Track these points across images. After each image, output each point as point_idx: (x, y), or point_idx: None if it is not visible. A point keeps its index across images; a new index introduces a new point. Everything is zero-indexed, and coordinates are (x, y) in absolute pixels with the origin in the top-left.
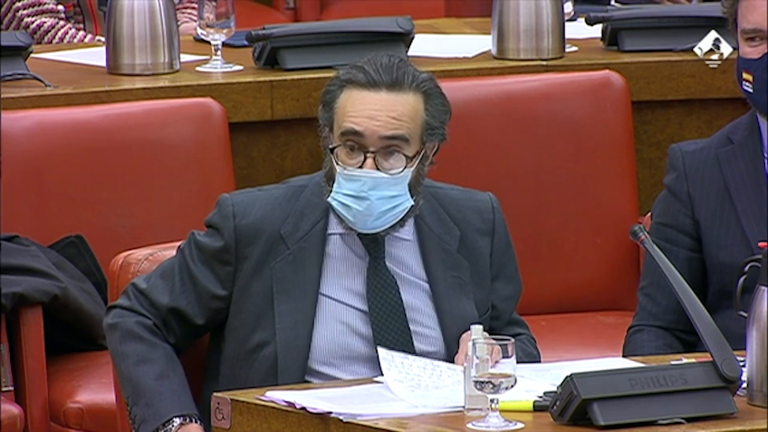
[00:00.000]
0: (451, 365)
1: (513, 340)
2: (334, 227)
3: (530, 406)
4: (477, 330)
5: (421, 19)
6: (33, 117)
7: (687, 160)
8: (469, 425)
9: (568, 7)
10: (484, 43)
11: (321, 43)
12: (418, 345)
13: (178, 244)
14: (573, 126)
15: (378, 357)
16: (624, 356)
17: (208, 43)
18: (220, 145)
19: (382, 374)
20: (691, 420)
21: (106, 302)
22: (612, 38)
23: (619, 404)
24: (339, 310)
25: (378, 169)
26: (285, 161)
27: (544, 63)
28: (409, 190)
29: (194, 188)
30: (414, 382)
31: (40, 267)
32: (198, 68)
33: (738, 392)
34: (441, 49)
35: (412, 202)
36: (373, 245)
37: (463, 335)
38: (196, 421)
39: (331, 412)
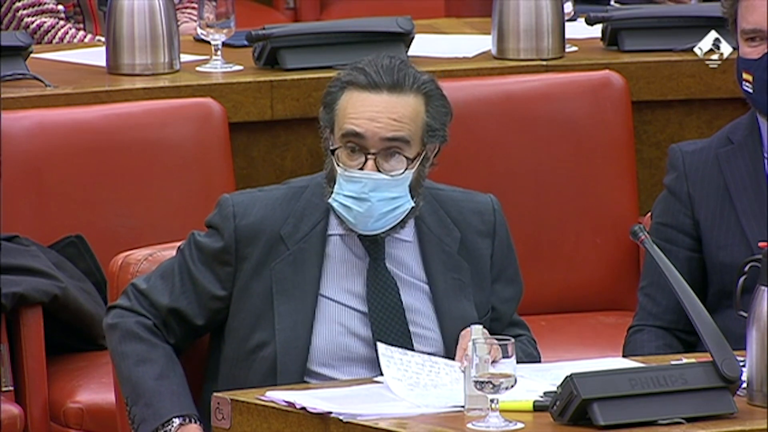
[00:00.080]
0: (449, 361)
1: (513, 340)
2: (334, 228)
3: (530, 406)
4: (477, 330)
5: (421, 19)
6: (33, 117)
7: (687, 160)
8: (469, 425)
9: (568, 7)
10: (484, 43)
11: (321, 43)
12: (417, 346)
13: (178, 244)
14: (573, 126)
15: (377, 358)
16: (624, 356)
17: (208, 43)
18: (220, 145)
19: (382, 374)
20: (691, 420)
21: (106, 302)
22: (612, 38)
23: (619, 404)
24: (338, 312)
25: (379, 170)
26: (285, 161)
27: (544, 63)
28: (410, 192)
29: (194, 188)
30: (413, 381)
31: (40, 267)
32: (198, 68)
33: (738, 392)
34: (441, 49)
35: (413, 204)
36: (373, 246)
37: (462, 332)
38: (195, 422)
39: (331, 412)
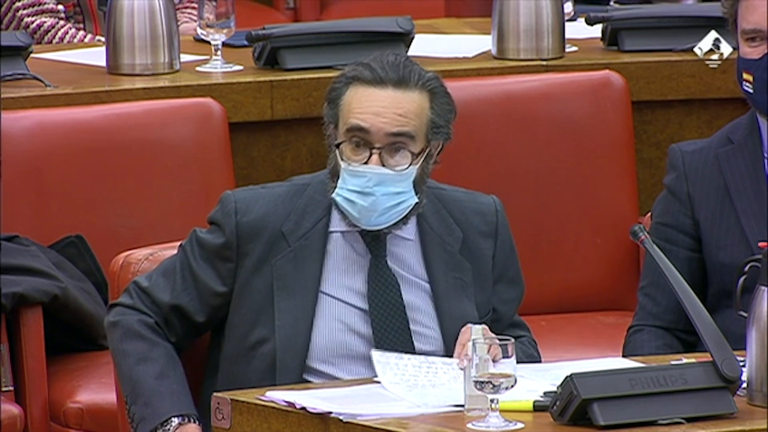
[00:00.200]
0: (446, 360)
1: (513, 339)
2: (335, 225)
3: (530, 406)
4: (477, 330)
5: (421, 19)
6: (33, 117)
7: (687, 160)
8: (469, 425)
9: (568, 7)
10: (484, 43)
11: (321, 43)
12: (417, 345)
13: (178, 243)
14: (573, 126)
15: None
16: (624, 356)
17: (208, 43)
18: (220, 145)
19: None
20: (691, 420)
21: (106, 302)
22: (612, 38)
23: (619, 404)
24: (339, 309)
25: (383, 165)
26: (285, 161)
27: (544, 63)
28: (414, 188)
29: (194, 188)
30: (411, 383)
31: (40, 267)
32: (198, 68)
33: (738, 392)
34: (441, 49)
35: (417, 200)
36: (374, 244)
37: (462, 329)
38: (194, 421)
39: (331, 412)
